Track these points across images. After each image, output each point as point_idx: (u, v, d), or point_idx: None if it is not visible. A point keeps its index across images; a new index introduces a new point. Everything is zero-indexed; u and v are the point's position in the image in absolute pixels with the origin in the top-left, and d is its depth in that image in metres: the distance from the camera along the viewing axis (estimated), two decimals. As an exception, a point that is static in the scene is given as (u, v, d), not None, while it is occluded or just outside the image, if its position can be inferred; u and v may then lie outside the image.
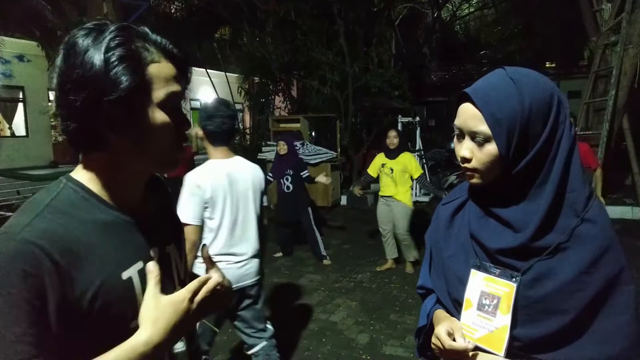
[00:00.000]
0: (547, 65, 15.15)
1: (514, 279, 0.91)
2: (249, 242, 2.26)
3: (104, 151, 0.74)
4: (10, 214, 7.44)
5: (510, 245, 0.91)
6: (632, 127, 7.42)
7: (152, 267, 0.73)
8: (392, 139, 4.74)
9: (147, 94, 0.73)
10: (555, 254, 0.89)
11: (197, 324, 0.82)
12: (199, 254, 1.66)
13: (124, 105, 0.69)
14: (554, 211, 0.88)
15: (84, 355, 0.66)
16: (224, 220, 2.15)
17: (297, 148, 7.92)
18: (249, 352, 2.39)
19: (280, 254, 5.63)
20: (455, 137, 0.98)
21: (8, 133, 12.10)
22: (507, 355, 0.91)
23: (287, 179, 5.31)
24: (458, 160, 0.96)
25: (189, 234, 1.99)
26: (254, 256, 2.28)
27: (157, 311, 0.70)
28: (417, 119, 9.45)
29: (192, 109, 15.83)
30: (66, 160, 12.33)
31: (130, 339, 0.68)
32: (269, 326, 2.45)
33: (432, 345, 1.01)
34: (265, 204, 2.43)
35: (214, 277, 0.78)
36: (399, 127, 8.64)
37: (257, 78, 12.03)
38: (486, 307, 0.95)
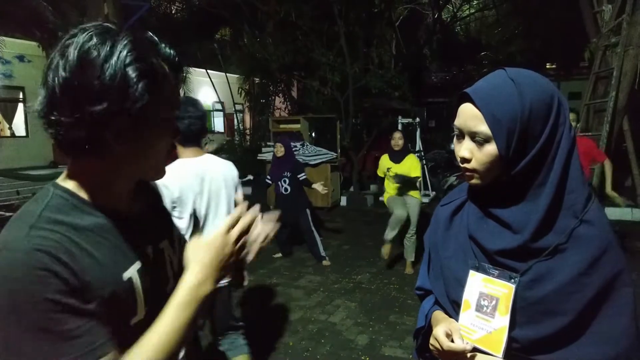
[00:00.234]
0: (547, 66, 15.16)
1: (512, 280, 0.91)
2: None
3: (101, 158, 0.74)
4: (10, 214, 7.47)
5: (509, 246, 0.91)
6: (633, 129, 7.43)
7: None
8: (397, 140, 4.78)
9: (157, 107, 0.74)
10: (554, 255, 0.88)
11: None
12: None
13: (135, 117, 0.70)
14: (553, 212, 0.88)
15: None
16: (193, 219, 2.13)
17: (297, 149, 7.94)
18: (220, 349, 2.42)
19: (279, 255, 5.63)
20: (455, 137, 0.98)
21: (8, 133, 12.10)
22: (505, 356, 0.90)
23: (284, 181, 5.31)
24: (458, 161, 0.96)
25: None
26: None
27: (199, 251, 0.77)
28: (417, 120, 9.45)
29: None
30: (66, 160, 12.26)
31: (181, 287, 0.75)
32: (240, 323, 2.48)
33: (431, 347, 1.00)
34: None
35: (251, 213, 0.82)
36: (399, 128, 8.64)
37: (258, 79, 12.04)
38: (485, 308, 0.94)
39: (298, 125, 9.61)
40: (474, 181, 0.95)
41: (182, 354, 0.97)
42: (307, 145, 8.56)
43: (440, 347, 0.95)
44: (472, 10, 16.76)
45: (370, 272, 5.04)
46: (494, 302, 0.93)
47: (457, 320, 1.00)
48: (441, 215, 1.13)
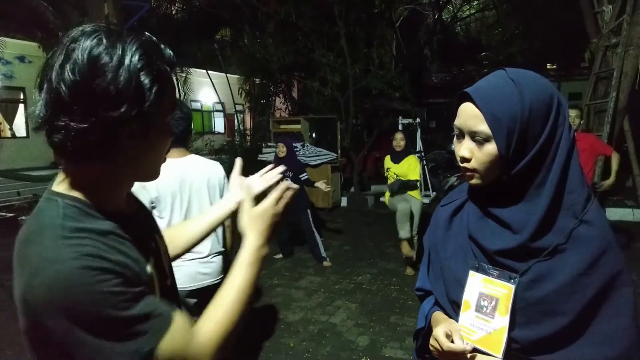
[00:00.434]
0: (548, 66, 15.13)
1: (512, 281, 0.90)
2: (208, 240, 2.24)
3: (108, 163, 0.73)
4: (11, 214, 7.46)
5: (508, 246, 0.91)
6: (633, 129, 7.41)
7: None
8: (399, 141, 4.79)
9: (164, 110, 0.76)
10: (553, 256, 0.88)
11: None
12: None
13: (145, 121, 0.71)
14: (552, 212, 0.88)
15: None
16: (173, 218, 2.12)
17: (298, 150, 7.93)
18: None
19: (280, 256, 5.63)
20: (455, 137, 0.98)
21: (9, 134, 12.11)
22: (505, 357, 0.90)
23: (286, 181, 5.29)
24: (458, 161, 0.96)
25: None
26: (216, 254, 2.25)
27: (255, 220, 0.89)
28: (418, 120, 9.45)
29: (193, 110, 15.86)
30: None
31: (245, 251, 0.86)
32: None
33: (431, 347, 1.00)
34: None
35: (291, 187, 0.95)
36: (400, 129, 8.64)
37: (258, 79, 12.04)
38: (484, 309, 0.94)
39: (298, 126, 9.61)
40: (474, 181, 0.95)
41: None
42: (307, 145, 8.55)
43: (440, 347, 0.95)
44: (473, 11, 16.76)
45: (371, 273, 5.04)
46: (493, 303, 0.93)
47: (457, 320, 1.00)
48: (441, 215, 1.13)
